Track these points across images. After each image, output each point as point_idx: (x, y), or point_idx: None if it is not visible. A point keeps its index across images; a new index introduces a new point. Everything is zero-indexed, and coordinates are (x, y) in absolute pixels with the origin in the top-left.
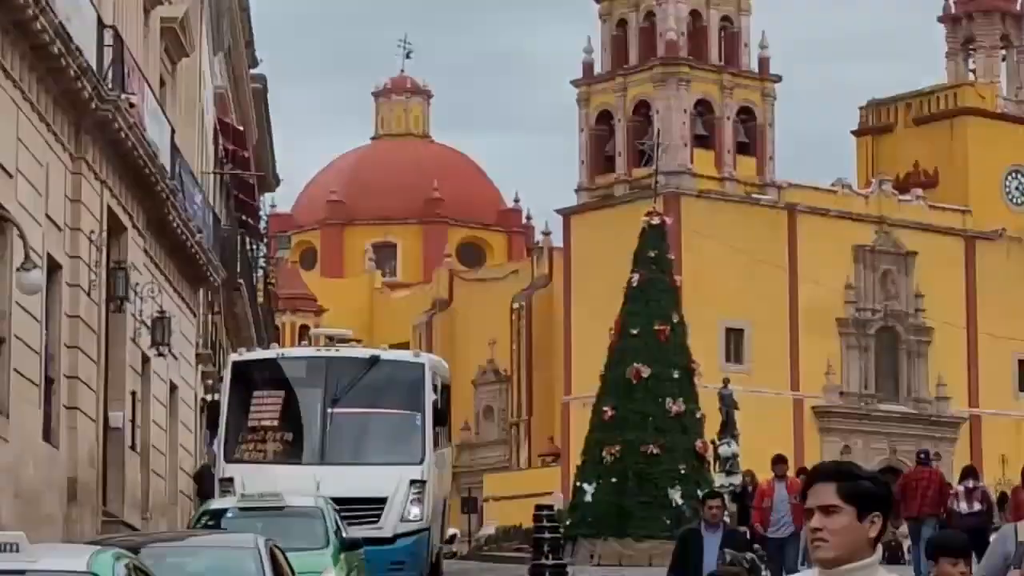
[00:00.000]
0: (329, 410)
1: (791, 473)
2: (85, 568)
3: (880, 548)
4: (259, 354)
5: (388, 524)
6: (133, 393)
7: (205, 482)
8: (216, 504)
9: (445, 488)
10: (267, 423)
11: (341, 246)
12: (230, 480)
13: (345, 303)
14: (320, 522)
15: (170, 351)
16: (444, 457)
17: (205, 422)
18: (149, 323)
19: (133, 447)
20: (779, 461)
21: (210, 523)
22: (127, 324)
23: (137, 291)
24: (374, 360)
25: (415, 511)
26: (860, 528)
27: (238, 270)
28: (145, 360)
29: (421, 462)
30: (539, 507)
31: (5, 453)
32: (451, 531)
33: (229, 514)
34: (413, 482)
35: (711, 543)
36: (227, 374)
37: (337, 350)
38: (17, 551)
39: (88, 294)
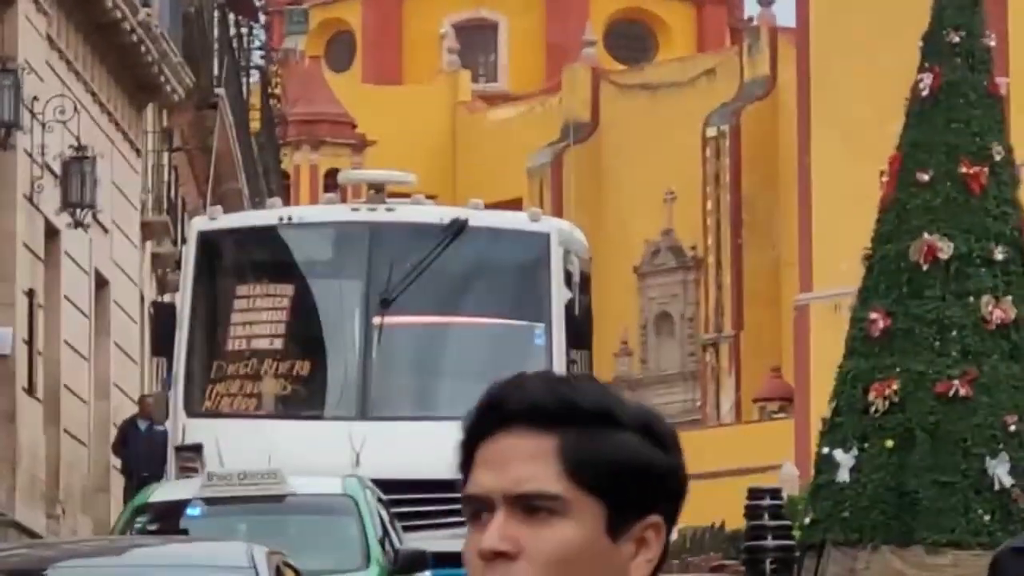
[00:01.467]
0: (375, 320)
1: None
2: None
3: None
4: (247, 218)
5: None
6: (30, 293)
7: (130, 449)
8: (161, 493)
9: None
10: (262, 344)
11: (398, 28)
12: (195, 449)
13: (407, 129)
14: (352, 522)
15: (95, 217)
16: None
17: (152, 341)
18: (58, 169)
19: (30, 389)
20: None
21: (150, 527)
22: (18, 170)
23: (37, 113)
24: (458, 227)
25: None
26: (612, 555)
27: (217, 73)
28: (51, 233)
29: None
30: (755, 491)
31: None
32: None
33: (190, 510)
34: None
35: None
36: (189, 252)
37: (391, 210)
38: None
39: None
